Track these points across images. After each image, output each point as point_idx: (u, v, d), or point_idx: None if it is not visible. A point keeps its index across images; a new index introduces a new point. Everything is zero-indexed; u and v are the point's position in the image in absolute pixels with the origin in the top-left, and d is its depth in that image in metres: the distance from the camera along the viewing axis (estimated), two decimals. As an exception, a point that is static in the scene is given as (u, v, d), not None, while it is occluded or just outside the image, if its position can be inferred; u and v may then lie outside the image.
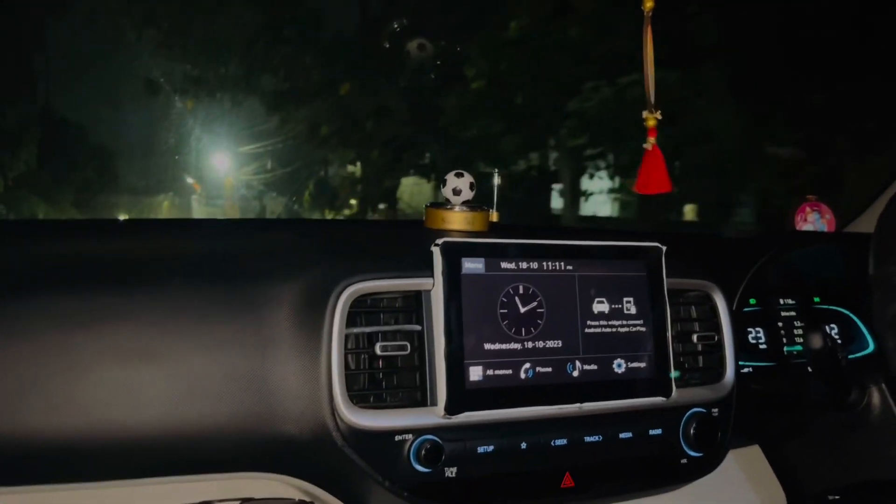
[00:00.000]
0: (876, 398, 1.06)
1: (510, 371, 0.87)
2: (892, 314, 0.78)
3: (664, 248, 0.97)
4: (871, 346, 1.17)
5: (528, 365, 0.88)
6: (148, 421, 0.79)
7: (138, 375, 0.79)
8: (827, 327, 1.19)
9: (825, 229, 1.41)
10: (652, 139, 1.04)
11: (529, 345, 0.88)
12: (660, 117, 1.04)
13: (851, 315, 1.22)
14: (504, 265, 0.89)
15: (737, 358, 1.03)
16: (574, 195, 6.25)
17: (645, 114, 1.04)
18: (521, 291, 0.89)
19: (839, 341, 1.19)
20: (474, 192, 1.00)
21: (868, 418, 1.05)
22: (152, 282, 0.83)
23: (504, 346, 0.87)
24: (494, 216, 1.08)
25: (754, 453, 1.15)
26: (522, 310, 0.88)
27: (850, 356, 1.16)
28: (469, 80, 5.79)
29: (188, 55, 5.68)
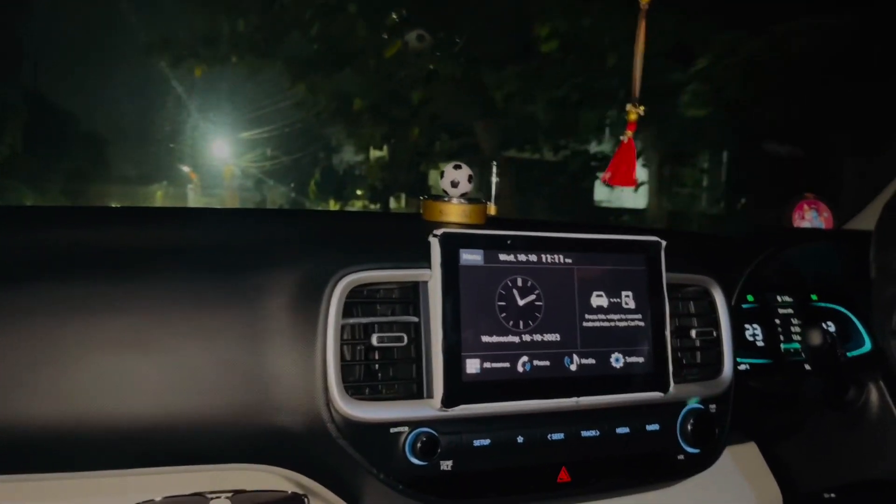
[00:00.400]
0: (873, 396, 1.06)
1: (507, 364, 0.86)
2: (889, 298, 0.77)
3: (664, 243, 0.96)
4: (869, 345, 1.16)
5: (525, 358, 0.87)
6: (140, 411, 0.78)
7: (130, 365, 0.78)
8: (823, 324, 1.18)
9: (823, 227, 1.41)
10: (630, 133, 1.03)
11: (527, 338, 0.87)
12: (642, 112, 1.03)
13: (849, 313, 1.21)
14: (503, 257, 0.88)
15: (735, 354, 1.02)
16: (661, 184, 5.48)
17: (629, 107, 1.03)
18: (519, 284, 0.88)
19: (838, 338, 1.19)
20: (472, 184, 0.99)
21: (865, 416, 1.05)
22: (146, 270, 0.82)
23: (501, 339, 0.86)
24: (493, 209, 1.07)
25: (751, 450, 1.15)
26: (521, 302, 0.88)
27: (848, 354, 1.15)
28: (541, 40, 4.73)
29: (197, 7, 4.89)
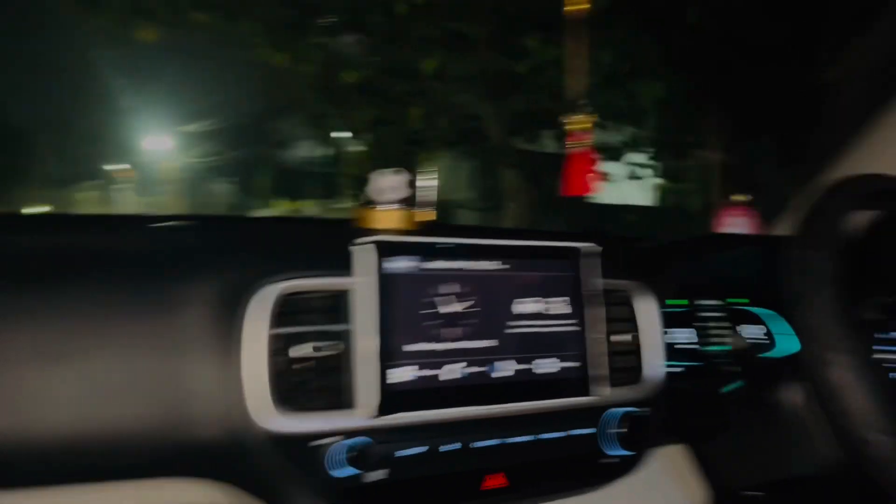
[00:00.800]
0: (794, 396, 1.09)
1: (437, 372, 0.86)
2: (803, 293, 0.80)
3: (590, 249, 0.98)
4: (790, 346, 1.20)
5: (455, 365, 0.87)
6: (57, 425, 0.75)
7: (44, 378, 0.75)
8: (749, 327, 1.22)
9: (748, 232, 1.45)
10: (581, 142, 1.05)
11: (457, 345, 0.87)
12: (595, 120, 1.05)
13: (772, 315, 1.25)
14: (433, 265, 0.88)
15: (661, 357, 1.04)
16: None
17: (569, 117, 1.04)
18: (449, 291, 0.88)
19: (763, 341, 1.22)
20: (412, 190, 0.99)
21: (787, 416, 1.08)
22: (58, 280, 0.79)
23: (431, 347, 0.86)
24: (429, 215, 1.07)
25: (679, 452, 1.17)
26: (450, 310, 0.88)
27: (771, 355, 1.19)
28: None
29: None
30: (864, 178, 0.87)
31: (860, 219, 0.98)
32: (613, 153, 5.70)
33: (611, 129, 5.66)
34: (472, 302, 0.89)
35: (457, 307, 0.88)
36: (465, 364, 0.88)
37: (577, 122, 1.05)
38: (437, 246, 0.89)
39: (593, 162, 1.05)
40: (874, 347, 0.85)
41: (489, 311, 0.90)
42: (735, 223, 1.43)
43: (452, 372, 0.87)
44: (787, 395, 1.12)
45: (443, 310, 0.87)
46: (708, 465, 1.19)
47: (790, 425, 1.10)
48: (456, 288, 0.88)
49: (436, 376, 0.86)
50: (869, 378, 0.72)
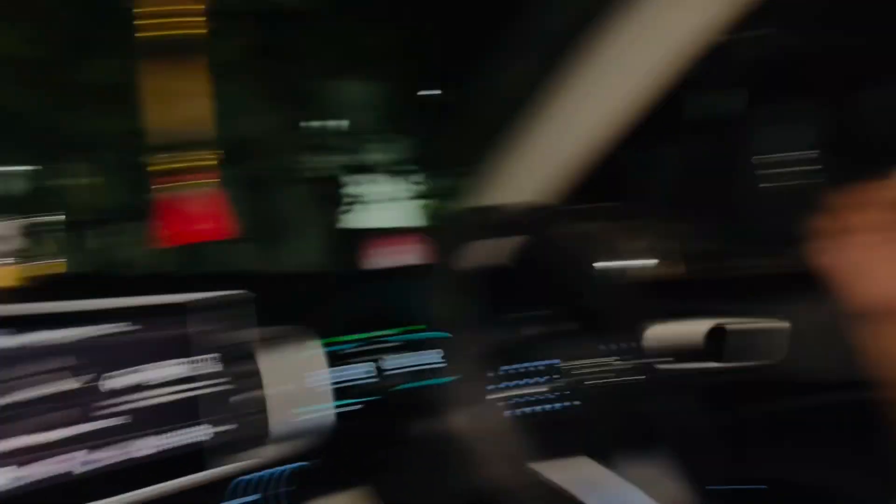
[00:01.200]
0: (453, 424, 1.10)
1: (45, 468, 0.71)
2: (444, 345, 0.81)
3: (229, 298, 0.89)
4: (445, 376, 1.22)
5: (67, 456, 0.72)
6: None
7: None
8: (415, 356, 1.22)
9: (418, 261, 1.48)
10: (209, 180, 0.96)
11: (65, 433, 0.73)
12: (221, 155, 0.97)
13: (432, 343, 1.27)
14: (24, 338, 0.72)
15: (327, 403, 0.99)
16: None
17: (204, 154, 0.96)
18: (38, 370, 0.73)
19: (430, 367, 1.23)
20: (19, 239, 0.82)
21: (448, 444, 1.09)
22: None
23: (28, 441, 0.70)
24: (57, 266, 0.91)
25: (353, 497, 1.13)
26: (43, 393, 0.73)
27: (435, 382, 1.20)
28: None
29: None
30: (480, 211, 0.90)
31: (491, 246, 1.01)
32: (376, 171, 5.71)
33: (372, 147, 5.62)
34: (75, 378, 0.75)
35: (51, 388, 0.73)
36: (82, 452, 0.73)
37: (207, 159, 0.96)
38: (32, 315, 0.74)
39: (210, 204, 0.97)
40: (505, 385, 0.88)
41: (108, 386, 0.77)
42: (404, 251, 1.45)
43: (67, 463, 0.72)
44: (448, 424, 1.13)
45: (30, 395, 0.72)
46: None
47: (453, 453, 1.11)
48: (49, 364, 0.73)
49: (44, 474, 0.70)
50: (498, 424, 0.75)
